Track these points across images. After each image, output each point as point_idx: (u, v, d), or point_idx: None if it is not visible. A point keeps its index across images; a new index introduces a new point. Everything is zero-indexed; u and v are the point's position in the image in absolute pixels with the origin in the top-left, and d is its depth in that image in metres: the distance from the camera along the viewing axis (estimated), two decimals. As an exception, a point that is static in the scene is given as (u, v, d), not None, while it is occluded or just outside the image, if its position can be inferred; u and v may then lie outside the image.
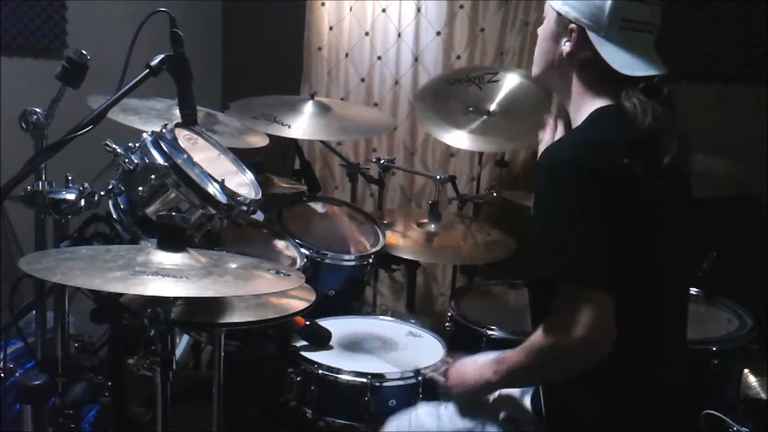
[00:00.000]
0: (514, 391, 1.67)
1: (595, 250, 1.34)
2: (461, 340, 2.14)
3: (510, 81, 2.78)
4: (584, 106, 1.50)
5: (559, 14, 1.50)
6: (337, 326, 2.12)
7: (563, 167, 1.37)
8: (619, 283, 1.33)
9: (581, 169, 1.35)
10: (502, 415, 1.63)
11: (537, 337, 1.40)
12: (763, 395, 2.19)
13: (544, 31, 1.56)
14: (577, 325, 1.31)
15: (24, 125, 1.59)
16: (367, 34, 3.38)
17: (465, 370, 1.63)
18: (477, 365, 1.59)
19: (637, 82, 1.43)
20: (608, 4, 1.43)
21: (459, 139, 2.71)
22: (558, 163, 1.39)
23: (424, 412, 1.71)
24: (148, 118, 2.17)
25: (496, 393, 1.73)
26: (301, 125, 2.65)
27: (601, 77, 1.47)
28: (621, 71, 1.43)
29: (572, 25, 1.47)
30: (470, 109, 2.74)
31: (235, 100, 2.78)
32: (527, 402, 1.62)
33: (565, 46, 1.50)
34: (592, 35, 1.45)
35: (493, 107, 2.75)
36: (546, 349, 1.38)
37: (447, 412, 1.68)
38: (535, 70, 1.61)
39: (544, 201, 1.40)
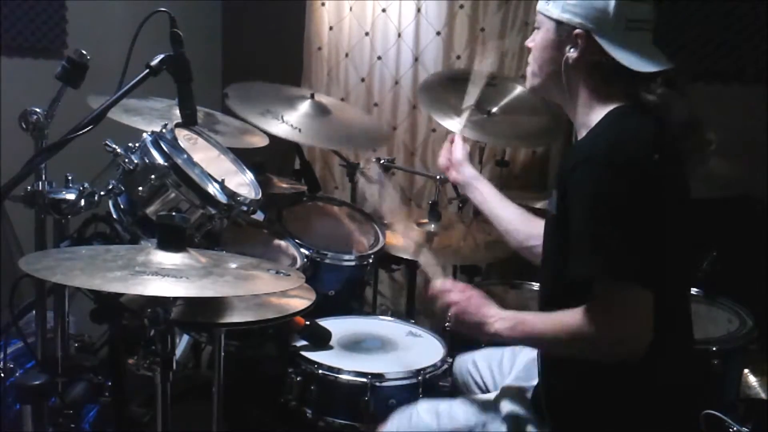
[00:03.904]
0: (517, 387, 1.67)
1: (634, 246, 1.34)
2: (461, 340, 2.14)
3: (508, 89, 2.80)
4: (595, 110, 1.50)
5: (559, 22, 1.50)
6: (337, 326, 2.12)
7: (595, 166, 1.38)
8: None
9: (614, 167, 1.36)
10: (504, 411, 1.63)
11: (576, 319, 1.38)
12: (763, 395, 2.20)
13: (542, 41, 1.55)
14: (623, 320, 1.33)
15: (24, 125, 1.59)
16: (367, 34, 3.37)
17: (478, 304, 1.55)
18: (489, 311, 1.53)
19: (648, 80, 1.44)
20: (611, 5, 1.44)
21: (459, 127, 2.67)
22: (589, 161, 1.39)
23: (424, 409, 1.70)
24: (150, 118, 2.16)
25: (499, 389, 1.74)
26: (301, 127, 2.63)
27: (608, 79, 1.48)
28: (636, 70, 1.43)
29: (577, 31, 1.47)
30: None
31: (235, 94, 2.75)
32: (528, 399, 1.62)
33: (571, 53, 1.49)
34: (598, 38, 1.45)
35: (494, 110, 2.75)
36: (587, 336, 1.36)
37: (447, 409, 1.68)
38: (534, 82, 1.60)
39: (577, 201, 1.40)
